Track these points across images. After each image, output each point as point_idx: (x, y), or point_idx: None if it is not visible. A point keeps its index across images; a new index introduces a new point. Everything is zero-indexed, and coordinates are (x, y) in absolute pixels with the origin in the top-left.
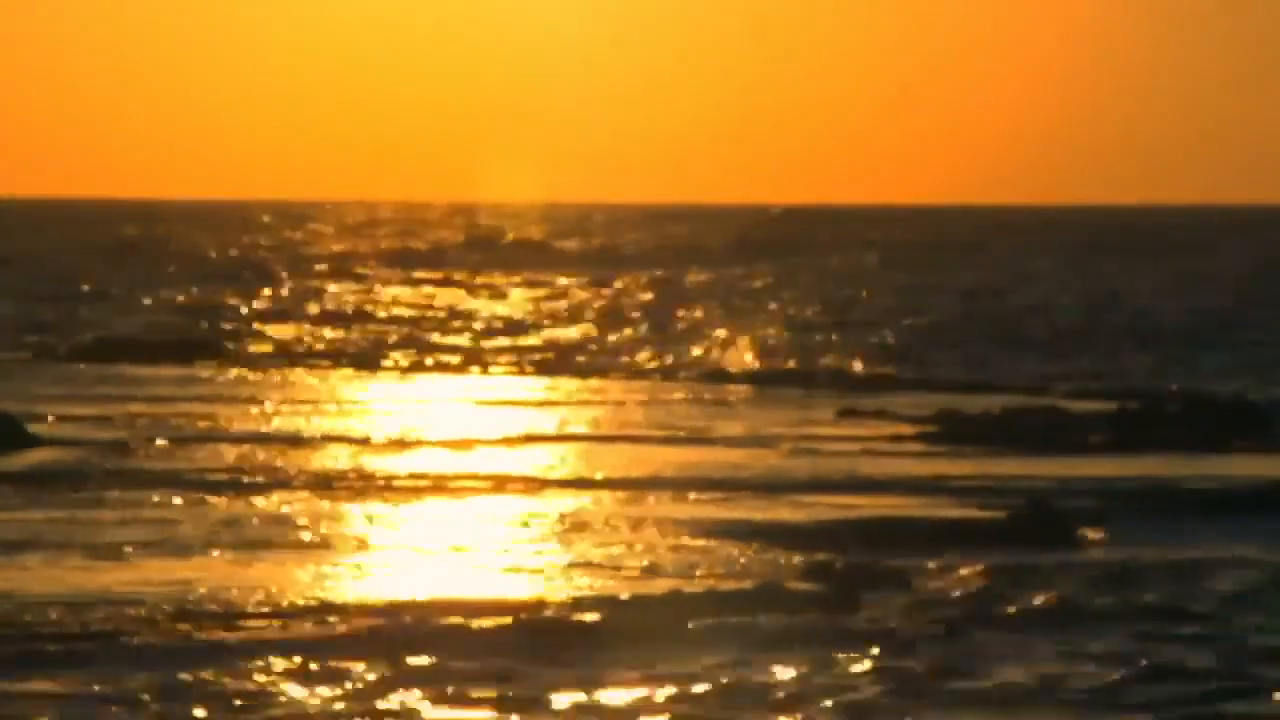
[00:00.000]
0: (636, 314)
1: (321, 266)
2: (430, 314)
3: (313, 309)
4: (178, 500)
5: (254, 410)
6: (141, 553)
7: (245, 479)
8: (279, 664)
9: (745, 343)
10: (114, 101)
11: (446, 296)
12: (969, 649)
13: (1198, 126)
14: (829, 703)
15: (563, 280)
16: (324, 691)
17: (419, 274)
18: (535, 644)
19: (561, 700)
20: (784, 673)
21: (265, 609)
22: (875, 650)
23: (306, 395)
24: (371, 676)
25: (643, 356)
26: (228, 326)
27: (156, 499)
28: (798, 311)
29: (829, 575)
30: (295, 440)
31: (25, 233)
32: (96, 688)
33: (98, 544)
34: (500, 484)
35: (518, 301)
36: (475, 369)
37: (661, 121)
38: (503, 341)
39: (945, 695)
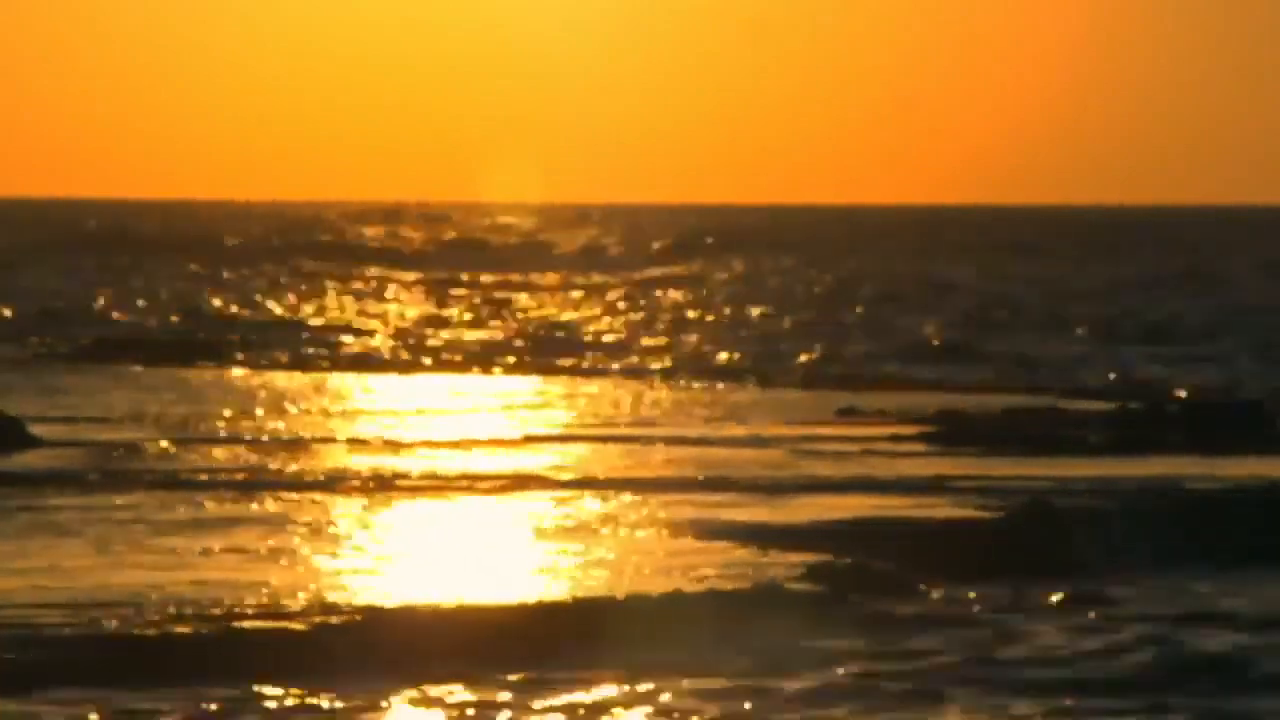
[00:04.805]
0: (634, 314)
1: (316, 266)
2: (427, 314)
3: (311, 310)
4: (177, 501)
5: (254, 411)
6: (141, 553)
7: (245, 479)
8: (276, 664)
9: (744, 343)
10: (113, 101)
11: (442, 296)
12: (969, 651)
13: (1198, 127)
14: (827, 702)
15: (558, 280)
16: (320, 690)
17: (412, 274)
18: (533, 644)
19: (559, 700)
20: (780, 674)
21: (265, 609)
22: (874, 650)
23: (307, 395)
24: (368, 676)
25: (642, 356)
26: (228, 327)
27: (156, 500)
28: (797, 311)
29: (828, 576)
30: (295, 440)
31: (25, 232)
32: (94, 686)
33: (98, 545)
34: (498, 484)
35: (515, 301)
36: (475, 369)
37: (661, 122)
38: (502, 341)
39: (945, 696)
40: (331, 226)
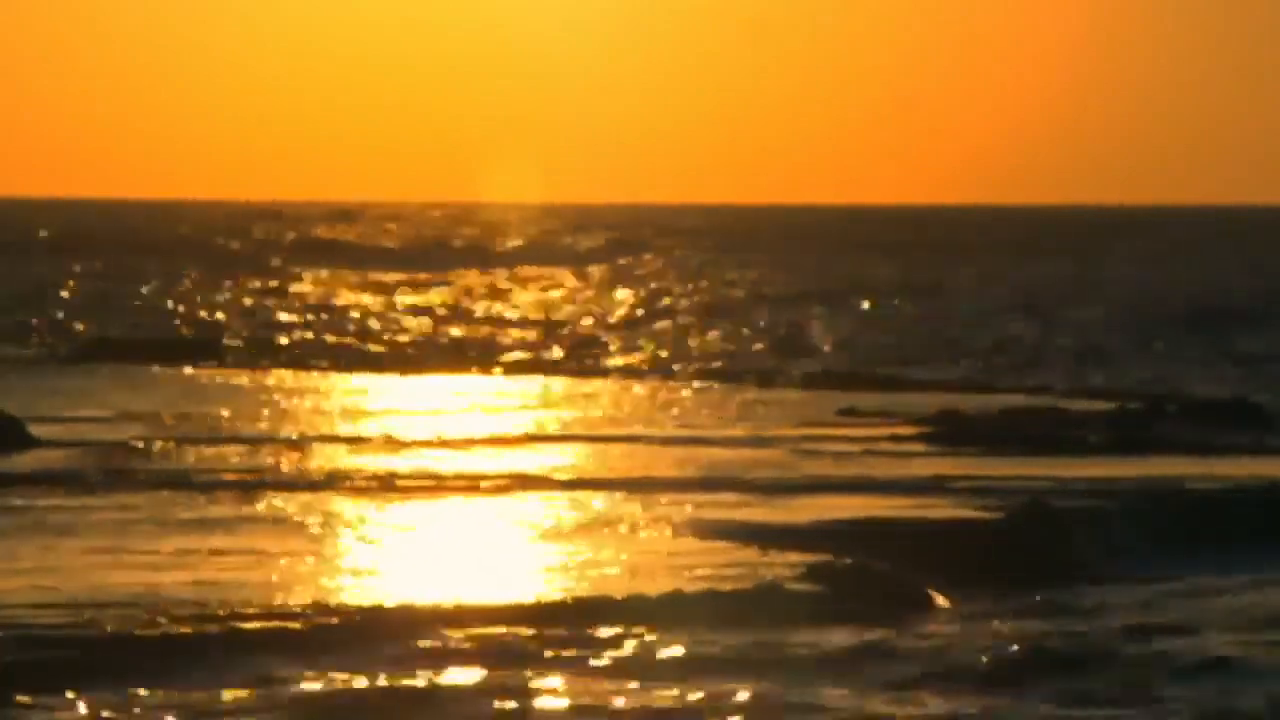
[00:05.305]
0: (632, 313)
1: (316, 266)
2: (425, 315)
3: (309, 310)
4: (177, 501)
5: (254, 410)
6: (141, 553)
7: (245, 479)
8: (274, 663)
9: (743, 343)
10: (113, 102)
11: (438, 297)
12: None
13: (1198, 127)
14: (826, 704)
15: (555, 278)
16: (315, 689)
17: (408, 274)
18: (533, 644)
19: (558, 700)
20: (781, 674)
21: (265, 609)
22: (871, 650)
23: (306, 395)
24: (365, 676)
25: (641, 356)
26: (228, 327)
27: (156, 500)
28: (796, 311)
29: (828, 576)
30: (295, 440)
31: (25, 232)
32: (94, 686)
33: (98, 545)
34: (499, 484)
35: (512, 300)
36: (475, 369)
37: (661, 122)
38: (502, 341)
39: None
40: (314, 226)
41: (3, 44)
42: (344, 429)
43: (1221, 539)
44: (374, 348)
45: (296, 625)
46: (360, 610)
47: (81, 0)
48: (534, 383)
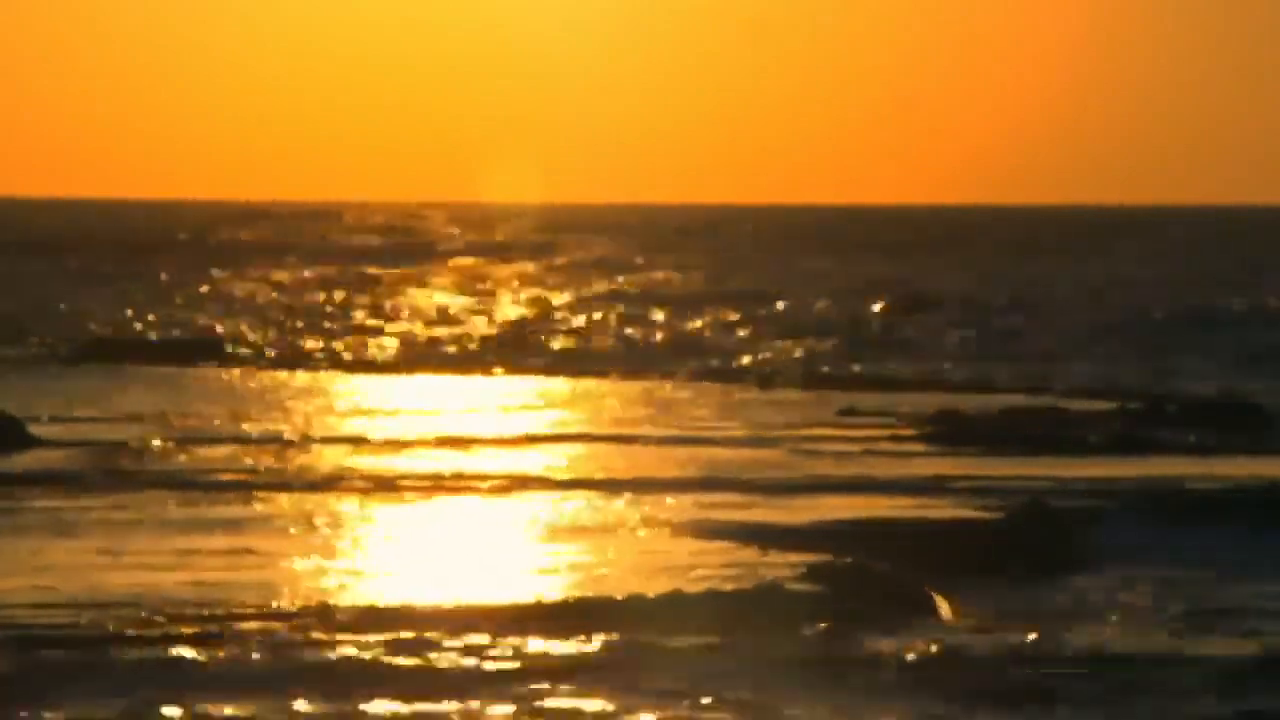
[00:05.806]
0: (633, 313)
1: (318, 266)
2: (425, 314)
3: (310, 309)
4: (177, 501)
5: (254, 410)
6: (141, 553)
7: (245, 479)
8: (273, 663)
9: (742, 343)
10: (113, 102)
11: (438, 296)
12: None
13: (1198, 127)
14: (825, 705)
15: (554, 279)
16: (314, 691)
17: (407, 273)
18: (532, 645)
19: (558, 701)
20: (780, 676)
21: (265, 609)
22: (871, 651)
23: (306, 395)
24: (364, 677)
25: (641, 356)
26: (228, 327)
27: (157, 500)
28: (793, 312)
29: (829, 576)
30: (295, 440)
31: (24, 232)
32: (94, 688)
33: (98, 545)
34: (499, 484)
35: (514, 301)
36: (475, 369)
37: (661, 122)
38: (501, 341)
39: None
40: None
41: (3, 44)
42: (344, 429)
43: (1221, 539)
44: (371, 347)
45: (296, 626)
46: (361, 612)
47: (81, 0)
48: (533, 383)
